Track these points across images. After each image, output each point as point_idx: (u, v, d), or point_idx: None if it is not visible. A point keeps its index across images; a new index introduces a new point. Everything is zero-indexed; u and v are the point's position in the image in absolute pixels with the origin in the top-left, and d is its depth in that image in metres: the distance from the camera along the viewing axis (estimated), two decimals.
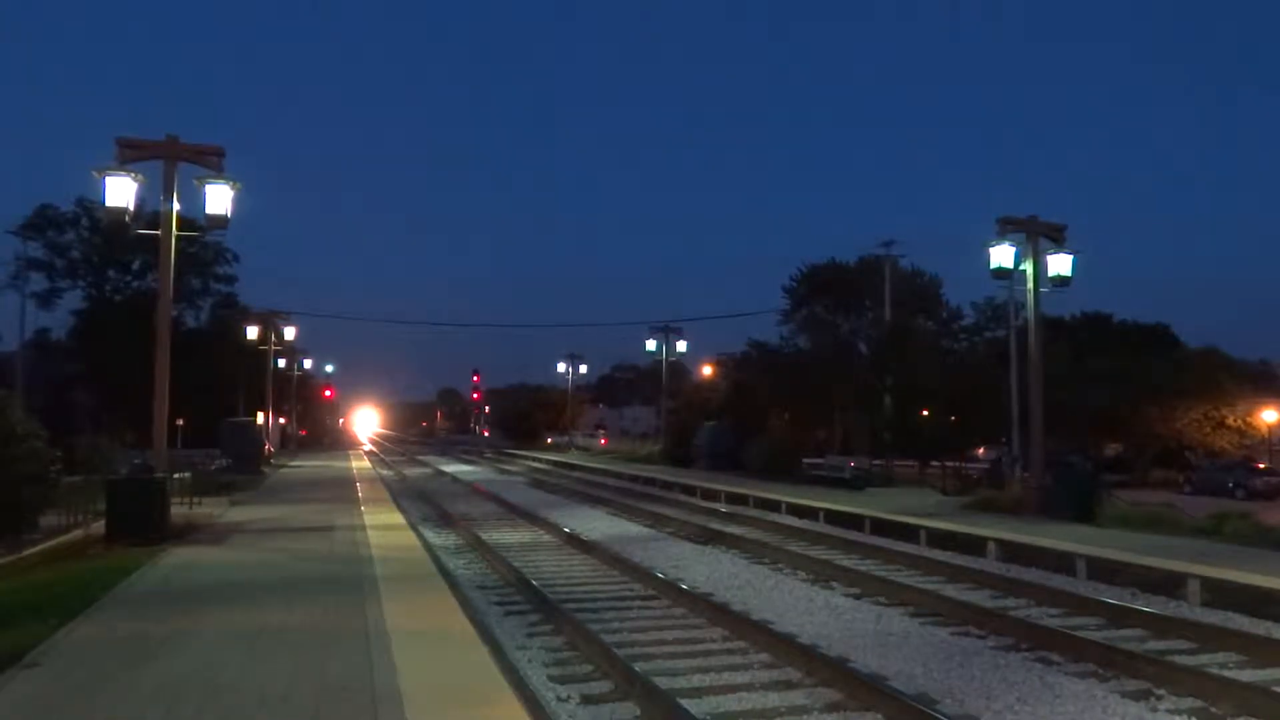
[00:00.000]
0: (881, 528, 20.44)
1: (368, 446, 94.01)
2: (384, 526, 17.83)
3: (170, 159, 16.86)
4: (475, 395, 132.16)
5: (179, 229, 17.53)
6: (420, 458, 65.82)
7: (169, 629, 8.70)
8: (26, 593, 10.70)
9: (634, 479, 38.39)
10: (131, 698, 6.53)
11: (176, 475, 21.11)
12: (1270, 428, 41.77)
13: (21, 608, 9.51)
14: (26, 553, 14.09)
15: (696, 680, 8.68)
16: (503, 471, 48.88)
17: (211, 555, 13.94)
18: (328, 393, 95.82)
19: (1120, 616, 11.52)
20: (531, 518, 23.33)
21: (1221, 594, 12.37)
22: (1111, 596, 12.76)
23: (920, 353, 39.90)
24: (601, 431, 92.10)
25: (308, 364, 68.95)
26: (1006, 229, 21.88)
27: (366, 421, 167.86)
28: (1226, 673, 8.96)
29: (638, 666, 8.65)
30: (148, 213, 19.65)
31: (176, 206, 17.11)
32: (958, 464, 35.91)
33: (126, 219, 16.74)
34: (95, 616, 9.31)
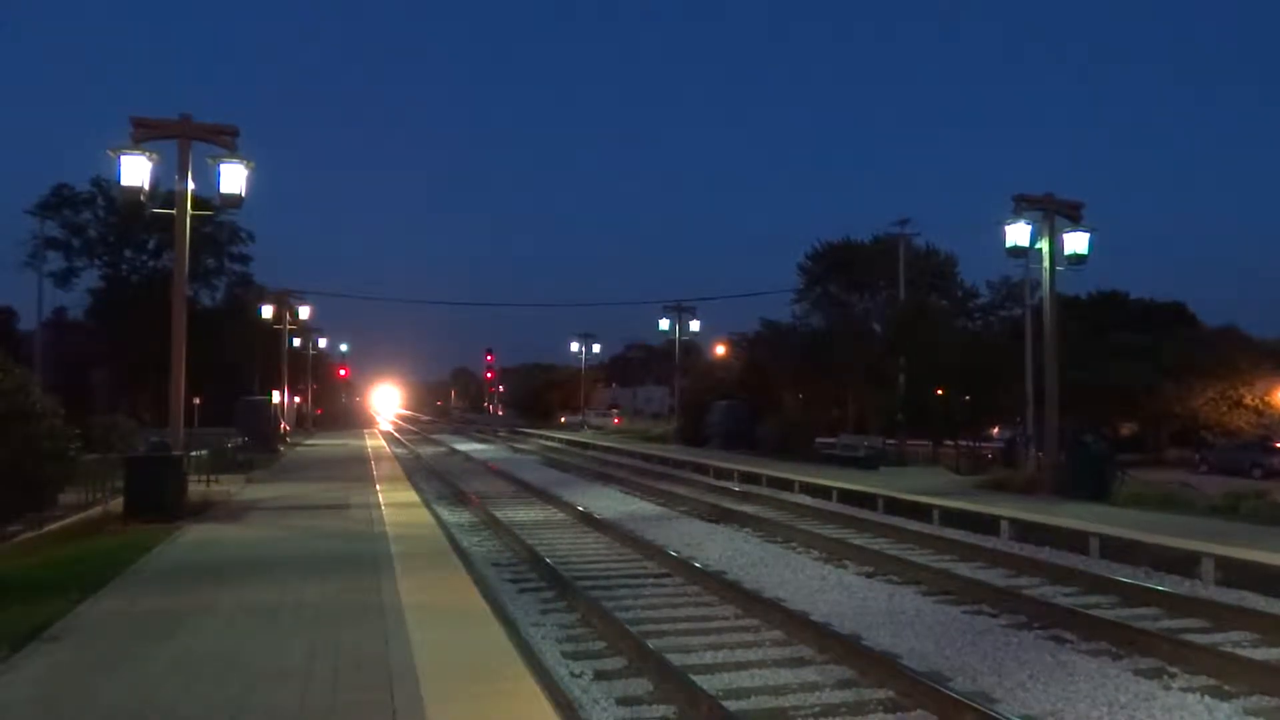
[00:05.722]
0: (894, 507, 20.44)
1: (383, 425, 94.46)
2: (399, 504, 17.95)
3: (184, 138, 16.91)
4: (489, 375, 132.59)
5: (194, 208, 17.60)
6: (434, 436, 66.11)
7: (187, 604, 8.80)
8: (47, 569, 10.84)
9: (647, 458, 38.47)
10: (151, 671, 6.62)
11: (193, 453, 21.28)
12: None
13: (43, 583, 9.64)
14: (47, 529, 14.24)
15: (709, 657, 8.72)
16: (516, 450, 49.05)
17: (228, 532, 14.08)
18: (342, 372, 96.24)
19: (1133, 595, 11.50)
20: (545, 496, 23.43)
21: (1236, 573, 12.31)
22: (1125, 575, 12.73)
23: (935, 332, 39.70)
24: (615, 411, 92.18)
25: (323, 343, 69.15)
26: (1023, 207, 21.70)
27: (383, 400, 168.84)
28: (1240, 651, 8.95)
29: (651, 643, 8.70)
30: (163, 192, 19.72)
31: (191, 186, 17.20)
32: (972, 443, 35.83)
33: (142, 198, 16.84)
34: (115, 592, 9.44)
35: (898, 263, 43.17)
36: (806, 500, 22.84)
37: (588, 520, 18.66)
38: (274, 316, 45.97)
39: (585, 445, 49.39)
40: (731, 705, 7.15)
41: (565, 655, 8.80)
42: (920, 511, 19.42)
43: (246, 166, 16.92)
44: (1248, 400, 39.97)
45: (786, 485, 25.72)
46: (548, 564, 12.91)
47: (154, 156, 16.45)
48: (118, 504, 15.93)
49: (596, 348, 78.59)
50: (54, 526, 14.60)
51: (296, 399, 62.20)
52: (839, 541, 15.55)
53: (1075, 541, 15.18)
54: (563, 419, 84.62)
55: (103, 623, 8.11)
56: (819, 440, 36.55)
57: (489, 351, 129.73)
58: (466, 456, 42.10)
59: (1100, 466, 20.73)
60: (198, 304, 49.89)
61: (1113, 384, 36.47)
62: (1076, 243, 21.70)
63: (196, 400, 30.50)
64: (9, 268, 51.61)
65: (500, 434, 69.88)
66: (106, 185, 46.39)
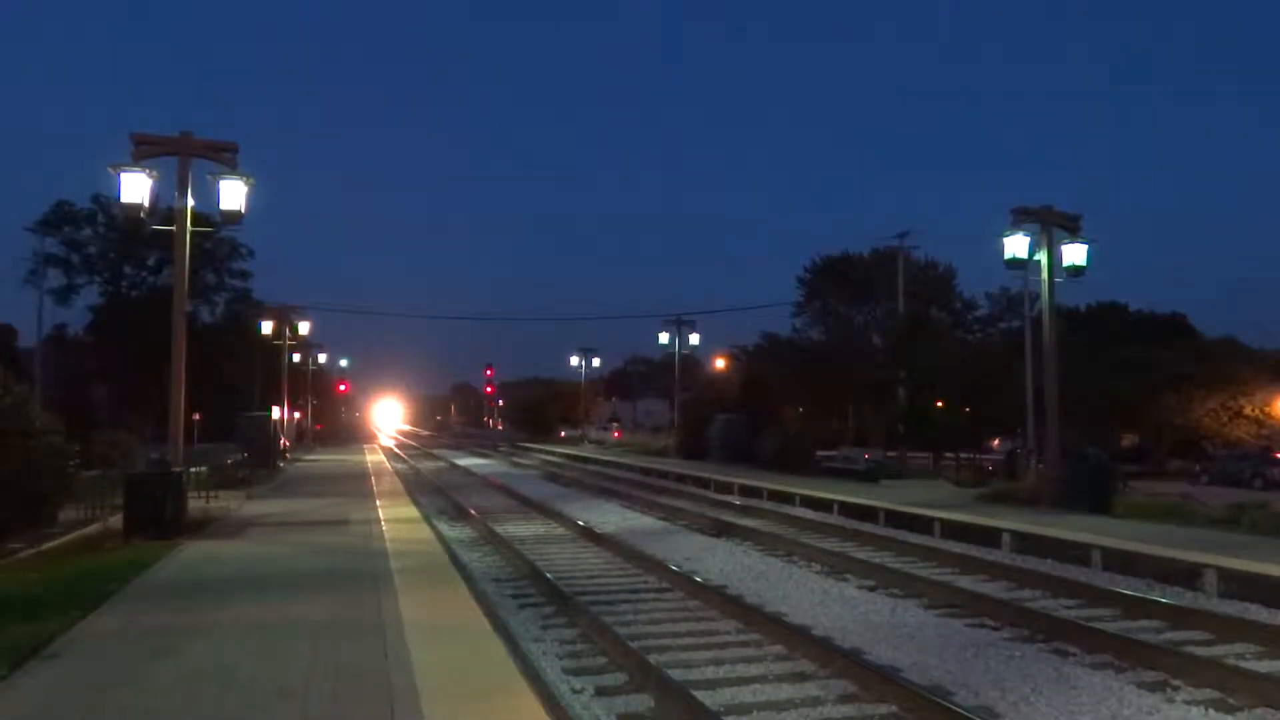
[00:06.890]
0: (896, 520, 20.40)
1: (384, 440, 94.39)
2: (399, 520, 17.91)
3: (184, 155, 16.96)
4: (488, 389, 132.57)
5: (194, 225, 17.63)
6: (434, 451, 66.03)
7: (187, 621, 8.77)
8: (47, 586, 10.79)
9: (647, 472, 38.41)
10: (150, 689, 6.59)
11: (193, 469, 21.26)
12: None
13: (42, 600, 9.60)
14: (46, 546, 14.22)
15: (710, 672, 8.69)
16: (516, 465, 48.99)
17: (228, 549, 14.04)
18: (342, 387, 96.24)
19: (1136, 607, 11.46)
20: (545, 511, 23.39)
21: (1239, 585, 12.29)
22: (1127, 588, 12.71)
23: (934, 344, 39.76)
24: (615, 424, 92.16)
25: (323, 358, 69.13)
26: (1021, 219, 21.74)
27: (384, 416, 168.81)
28: (1244, 664, 8.93)
29: (652, 659, 8.66)
30: (163, 208, 19.78)
31: (191, 202, 17.23)
32: (972, 455, 35.83)
33: (142, 215, 16.89)
34: (114, 609, 9.40)
35: (897, 275, 43.28)
36: (807, 514, 22.79)
37: (588, 535, 18.62)
38: (274, 332, 45.93)
39: (585, 459, 49.34)
40: None
41: (566, 671, 8.77)
42: (921, 524, 19.39)
43: (246, 183, 16.97)
44: (1248, 411, 40.02)
45: (787, 498, 25.68)
46: (548, 579, 12.87)
47: (154, 173, 16.49)
48: (117, 521, 15.88)
49: (596, 362, 78.48)
50: (53, 543, 14.58)
51: (296, 414, 62.17)
52: (840, 555, 15.52)
53: (1077, 554, 15.15)
54: (563, 433, 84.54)
55: (102, 640, 8.08)
56: (819, 453, 36.53)
57: (489, 366, 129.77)
58: (466, 471, 42.04)
59: (1101, 478, 20.69)
60: (198, 320, 50.06)
61: (1113, 395, 36.51)
62: (1075, 254, 21.73)
63: (196, 416, 30.57)
64: (9, 284, 51.88)
65: (500, 448, 69.80)
66: (106, 202, 46.67)
